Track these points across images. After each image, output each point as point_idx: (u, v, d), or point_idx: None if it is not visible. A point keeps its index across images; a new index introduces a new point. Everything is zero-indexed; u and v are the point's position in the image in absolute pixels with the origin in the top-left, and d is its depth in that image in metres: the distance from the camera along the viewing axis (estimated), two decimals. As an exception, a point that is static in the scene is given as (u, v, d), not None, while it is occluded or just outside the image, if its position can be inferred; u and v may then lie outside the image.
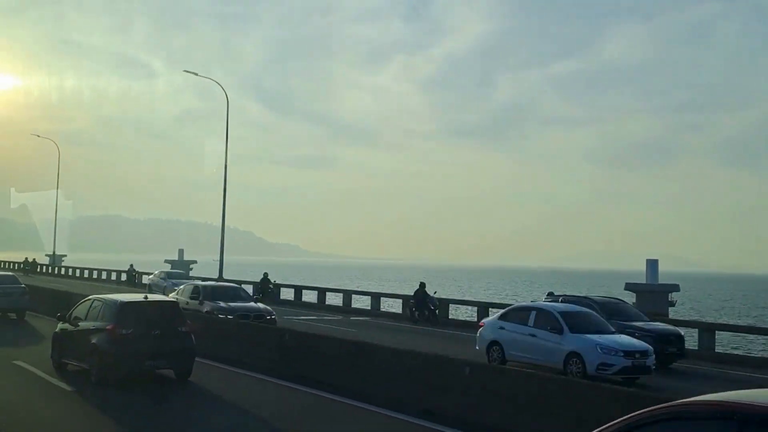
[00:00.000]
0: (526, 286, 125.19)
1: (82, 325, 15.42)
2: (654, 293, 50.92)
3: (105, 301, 15.51)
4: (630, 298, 53.78)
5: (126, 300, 15.70)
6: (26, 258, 72.63)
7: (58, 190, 76.92)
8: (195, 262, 68.03)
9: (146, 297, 16.74)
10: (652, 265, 55.19)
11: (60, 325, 16.51)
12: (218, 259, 48.28)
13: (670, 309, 50.92)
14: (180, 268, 57.66)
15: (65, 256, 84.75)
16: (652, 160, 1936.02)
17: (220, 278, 42.84)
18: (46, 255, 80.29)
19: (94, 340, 14.60)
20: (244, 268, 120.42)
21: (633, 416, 4.93)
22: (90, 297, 16.59)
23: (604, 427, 4.94)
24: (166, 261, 66.46)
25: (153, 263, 70.74)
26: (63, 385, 14.57)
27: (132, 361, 14.45)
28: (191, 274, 57.25)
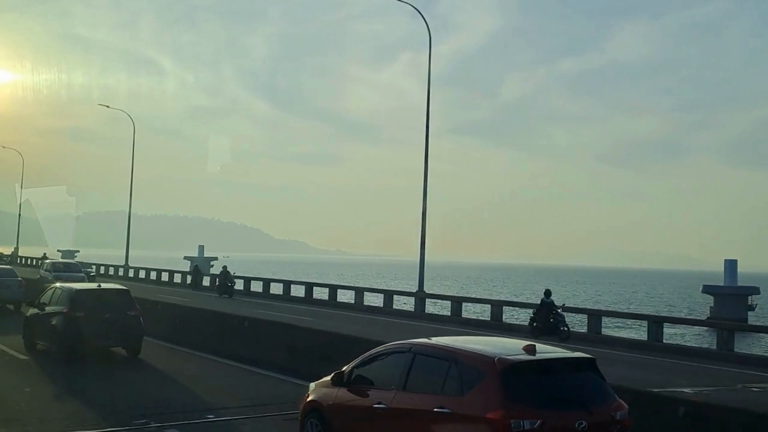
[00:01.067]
0: (567, 285, 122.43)
1: (47, 309, 17.87)
2: (733, 296, 48.64)
3: (63, 289, 18.04)
4: (707, 301, 51.72)
5: (80, 287, 18.38)
6: (44, 254, 70.43)
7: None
8: (216, 258, 67.01)
9: (99, 285, 19.24)
10: (731, 265, 51.69)
11: (30, 310, 19.10)
12: (229, 256, 51.02)
13: (749, 313, 48.52)
14: (200, 265, 57.48)
15: (78, 251, 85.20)
16: (660, 158, 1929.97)
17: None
18: (58, 251, 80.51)
19: (53, 322, 17.15)
20: (251, 265, 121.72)
21: (370, 352, 9.09)
22: (54, 285, 19.14)
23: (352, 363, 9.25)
24: (186, 258, 66.09)
25: (168, 260, 71.02)
26: (26, 359, 17.34)
27: (85, 339, 16.74)
28: (211, 271, 57.00)
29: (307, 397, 9.39)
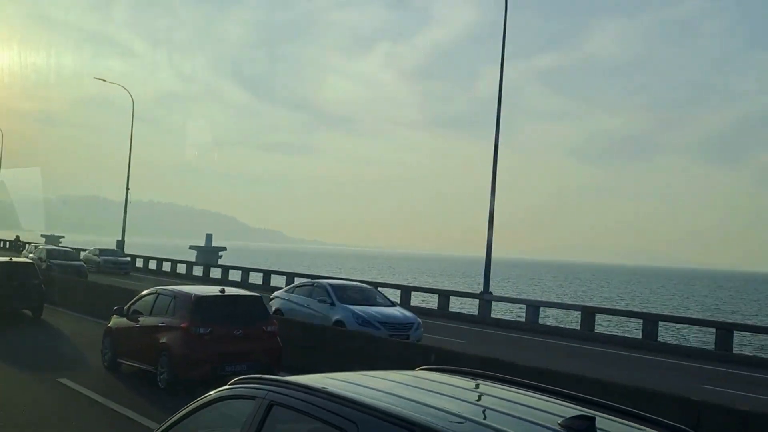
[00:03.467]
0: (562, 282, 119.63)
1: None
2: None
3: None
4: None
5: None
6: (17, 236, 67.32)
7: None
8: (224, 248, 62.27)
9: (11, 259, 22.72)
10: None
11: None
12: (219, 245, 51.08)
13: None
14: (208, 255, 56.05)
15: (63, 237, 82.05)
16: (633, 155, 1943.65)
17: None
18: (42, 236, 76.77)
19: None
20: (228, 253, 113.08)
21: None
22: None
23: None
24: (192, 247, 61.75)
25: (160, 247, 69.98)
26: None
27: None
28: (220, 262, 54.04)
29: (107, 325, 14.47)
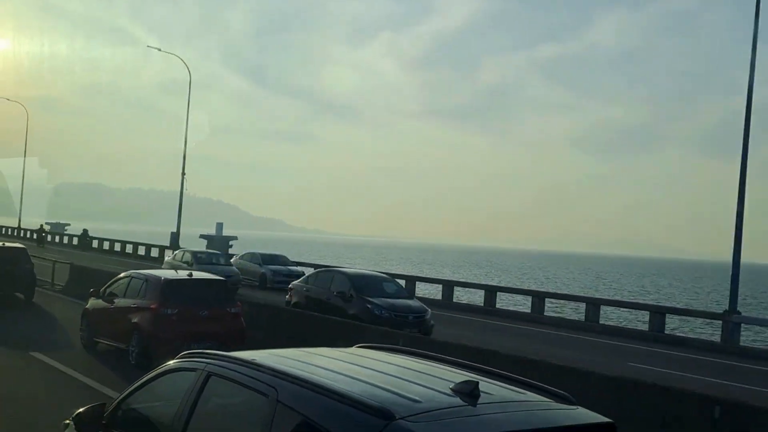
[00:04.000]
0: (548, 270, 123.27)
1: None
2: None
3: None
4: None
5: None
6: (41, 225, 63.69)
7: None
8: (235, 238, 58.49)
9: (3, 244, 22.76)
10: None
11: None
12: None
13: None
14: (219, 244, 52.09)
15: (69, 225, 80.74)
16: (635, 146, 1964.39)
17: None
18: (47, 223, 72.90)
19: None
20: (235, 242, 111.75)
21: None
22: None
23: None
24: (202, 236, 57.77)
25: (166, 236, 60.07)
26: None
27: None
28: (230, 251, 50.44)
29: (85, 306, 15.38)
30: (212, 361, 4.31)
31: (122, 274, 14.89)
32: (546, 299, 28.34)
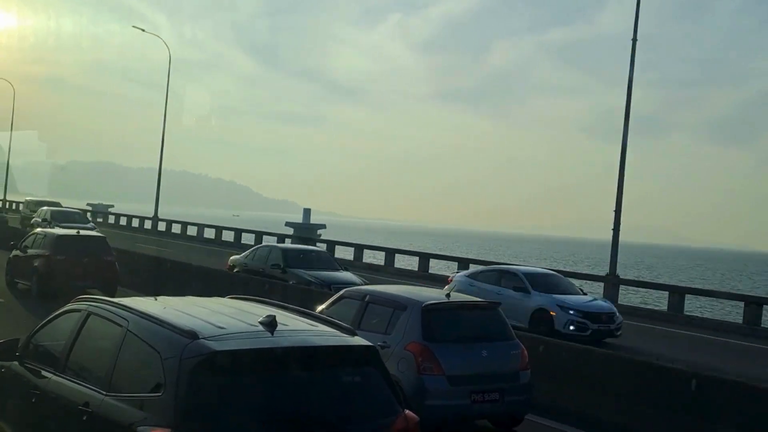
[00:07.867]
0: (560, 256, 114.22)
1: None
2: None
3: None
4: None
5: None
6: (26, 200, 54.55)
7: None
8: (323, 226, 53.38)
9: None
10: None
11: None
12: (239, 215, 58.06)
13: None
14: (306, 232, 47.55)
15: (112, 206, 70.64)
16: (645, 133, 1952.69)
17: None
18: (88, 204, 68.98)
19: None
20: (244, 223, 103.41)
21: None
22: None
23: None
24: (288, 224, 52.15)
25: (197, 217, 65.72)
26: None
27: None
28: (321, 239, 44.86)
29: (9, 255, 18.66)
30: (92, 303, 5.74)
31: (35, 231, 20.08)
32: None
